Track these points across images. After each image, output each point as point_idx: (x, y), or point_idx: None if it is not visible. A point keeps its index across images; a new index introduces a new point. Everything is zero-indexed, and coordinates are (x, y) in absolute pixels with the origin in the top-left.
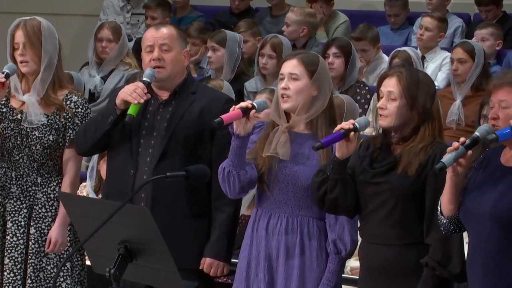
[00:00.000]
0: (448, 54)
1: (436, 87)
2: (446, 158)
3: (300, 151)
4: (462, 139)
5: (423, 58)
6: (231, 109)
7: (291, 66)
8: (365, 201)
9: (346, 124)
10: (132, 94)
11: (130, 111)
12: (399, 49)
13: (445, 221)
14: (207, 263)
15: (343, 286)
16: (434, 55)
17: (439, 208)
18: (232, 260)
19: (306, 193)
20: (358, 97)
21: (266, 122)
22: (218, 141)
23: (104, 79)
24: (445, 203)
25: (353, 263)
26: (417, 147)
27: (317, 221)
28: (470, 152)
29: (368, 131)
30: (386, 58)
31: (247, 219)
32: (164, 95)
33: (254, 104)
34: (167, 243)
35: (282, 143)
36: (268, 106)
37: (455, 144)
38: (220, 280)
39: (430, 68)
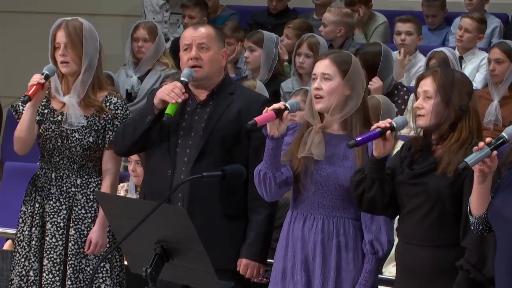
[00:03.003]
0: (486, 55)
1: (474, 88)
2: (470, 157)
3: (335, 152)
4: (488, 139)
5: (461, 59)
6: (264, 111)
7: (323, 66)
8: (403, 201)
9: (383, 123)
10: (170, 93)
11: (168, 111)
12: (436, 49)
13: (474, 220)
14: (243, 264)
15: (379, 286)
16: (473, 56)
17: (468, 207)
18: (268, 260)
19: (342, 194)
20: (396, 98)
21: (300, 123)
22: (254, 142)
23: (141, 79)
24: (473, 202)
25: (392, 269)
26: (456, 145)
27: (353, 222)
28: (495, 152)
29: (405, 132)
30: (423, 58)
31: None
32: (202, 95)
33: (287, 105)
34: (203, 243)
35: (316, 143)
36: (300, 106)
37: (481, 143)
38: (256, 280)
39: (468, 69)
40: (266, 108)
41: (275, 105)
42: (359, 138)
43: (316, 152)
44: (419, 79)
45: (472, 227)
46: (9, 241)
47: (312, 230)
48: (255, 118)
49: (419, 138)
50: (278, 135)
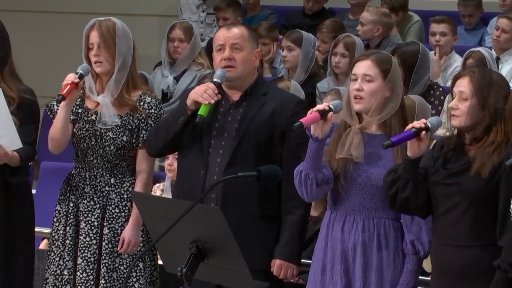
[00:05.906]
0: None
1: (511, 89)
2: None
3: (374, 152)
4: None
5: (498, 59)
6: (309, 112)
7: (365, 67)
8: (437, 202)
9: (417, 123)
10: (202, 95)
11: (200, 112)
12: (473, 49)
13: None
14: (277, 265)
15: None
16: (510, 56)
17: (511, 209)
18: (302, 260)
19: (382, 195)
20: (432, 99)
21: (336, 123)
22: (290, 143)
23: (177, 79)
24: None
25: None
26: (490, 148)
27: (393, 222)
28: None
29: (441, 132)
30: (459, 58)
31: (313, 220)
32: (235, 96)
33: (331, 106)
34: (237, 243)
35: (355, 145)
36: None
37: None
38: (292, 280)
39: (504, 69)
40: (311, 109)
41: (320, 106)
42: (394, 139)
43: (356, 153)
44: (456, 78)
45: None
46: (45, 241)
47: (352, 231)
48: (301, 120)
49: (452, 137)
50: (322, 136)
